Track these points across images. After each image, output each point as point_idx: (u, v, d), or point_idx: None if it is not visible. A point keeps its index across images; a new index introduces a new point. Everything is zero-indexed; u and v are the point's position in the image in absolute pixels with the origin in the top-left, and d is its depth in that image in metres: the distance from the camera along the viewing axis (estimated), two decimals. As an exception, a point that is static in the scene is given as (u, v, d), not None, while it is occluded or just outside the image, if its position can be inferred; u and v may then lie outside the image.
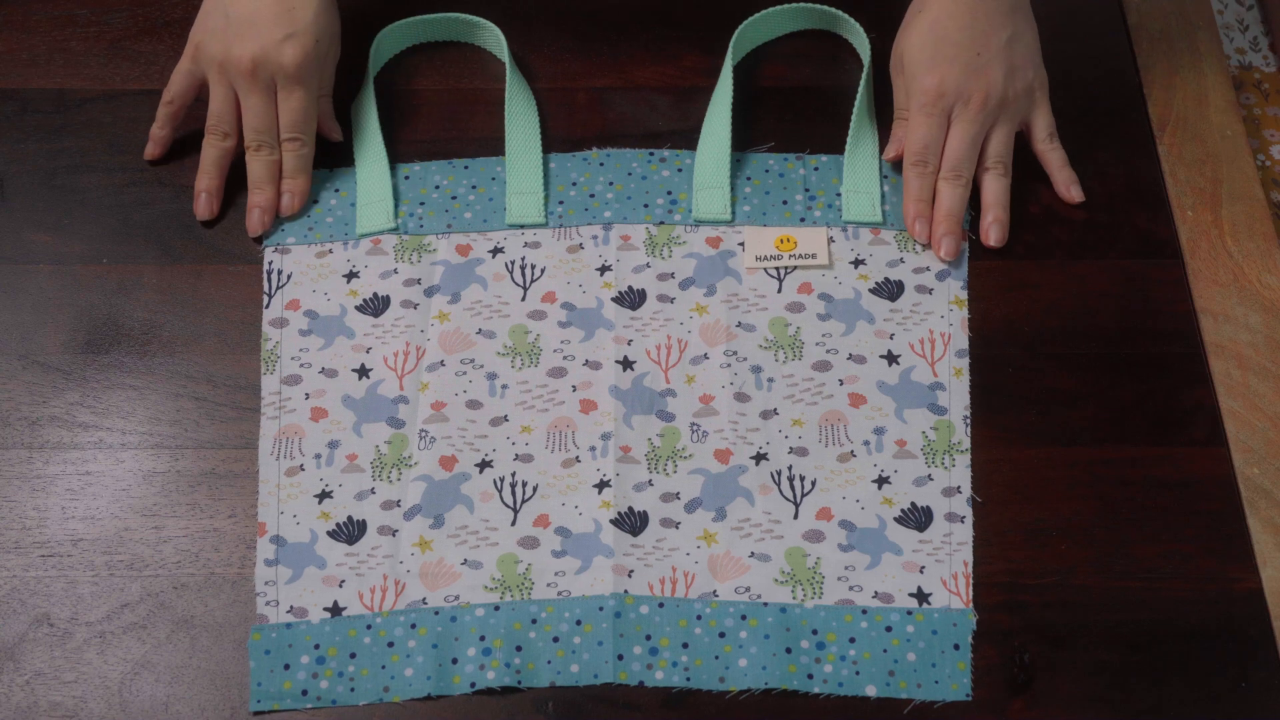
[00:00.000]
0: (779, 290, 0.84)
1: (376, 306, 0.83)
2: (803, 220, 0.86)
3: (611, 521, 0.76)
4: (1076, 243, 0.86)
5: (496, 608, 0.74)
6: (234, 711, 0.71)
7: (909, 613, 0.74)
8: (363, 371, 0.81)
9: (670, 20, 0.96)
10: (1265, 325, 0.83)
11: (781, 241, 0.85)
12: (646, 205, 0.87)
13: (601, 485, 0.77)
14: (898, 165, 0.88)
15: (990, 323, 0.83)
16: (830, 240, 0.85)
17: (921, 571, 0.75)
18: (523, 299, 0.84)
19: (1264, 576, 0.75)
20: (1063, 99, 0.90)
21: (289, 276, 0.84)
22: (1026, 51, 0.87)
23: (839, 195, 0.87)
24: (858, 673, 0.72)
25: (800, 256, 0.85)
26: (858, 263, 0.85)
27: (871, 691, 0.71)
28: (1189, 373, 0.81)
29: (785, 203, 0.87)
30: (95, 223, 0.87)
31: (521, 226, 0.86)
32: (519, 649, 0.72)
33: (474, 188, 0.88)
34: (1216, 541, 0.76)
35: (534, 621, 0.73)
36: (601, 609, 0.73)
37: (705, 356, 0.82)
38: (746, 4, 0.94)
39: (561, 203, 0.87)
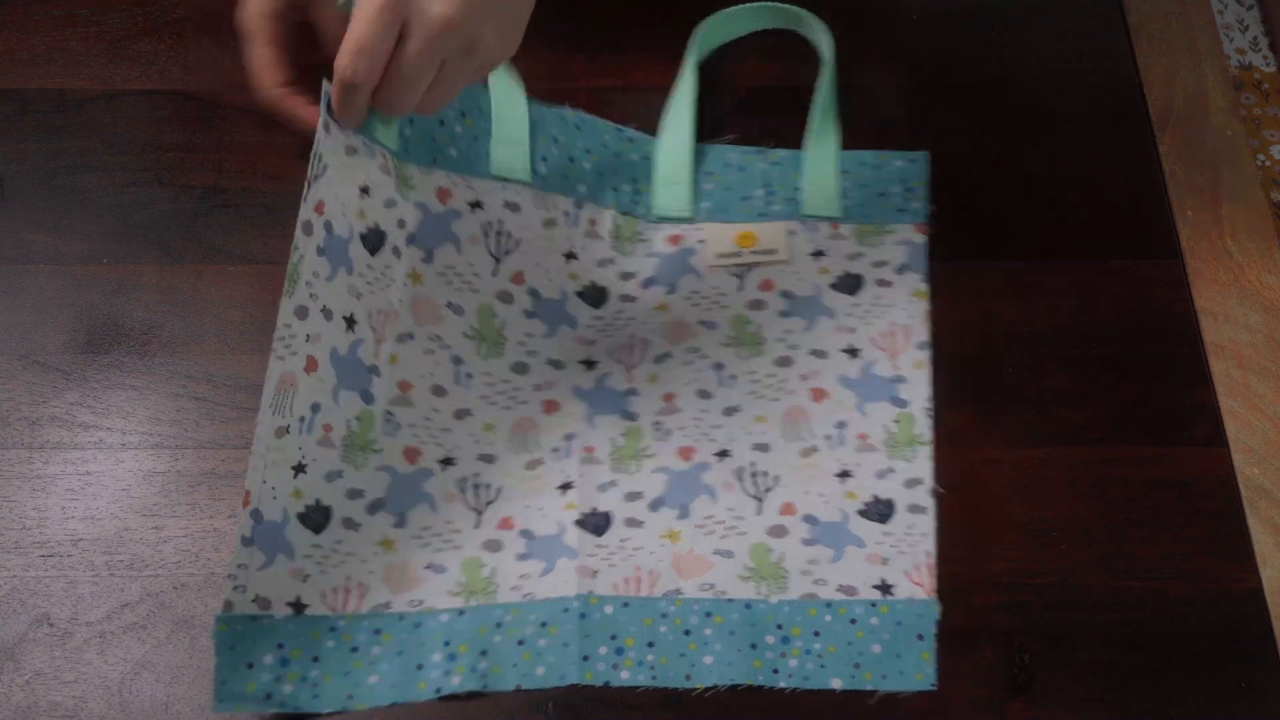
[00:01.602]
0: (740, 288, 0.83)
1: (374, 241, 0.78)
2: (762, 215, 0.86)
3: (575, 523, 0.75)
4: (1076, 243, 0.86)
5: (461, 612, 0.73)
6: (233, 712, 0.71)
7: (873, 605, 0.73)
8: (351, 322, 0.76)
9: (670, 20, 0.96)
10: (1265, 325, 0.83)
11: (741, 238, 0.85)
12: (615, 190, 0.85)
13: (565, 487, 0.77)
14: (856, 160, 0.87)
15: (990, 323, 0.83)
16: (790, 233, 0.85)
17: (885, 564, 0.75)
18: (494, 273, 0.81)
19: (1264, 576, 0.75)
20: (1063, 99, 0.90)
21: (325, 168, 0.74)
22: None
23: (798, 189, 0.87)
24: (823, 666, 0.71)
25: (760, 253, 0.84)
26: (818, 254, 0.84)
27: (837, 684, 0.71)
28: (1189, 373, 0.81)
29: (745, 198, 0.86)
30: (95, 223, 0.87)
31: (505, 180, 0.83)
32: (484, 653, 0.71)
33: (462, 115, 0.83)
34: (1216, 541, 0.76)
35: (499, 625, 0.72)
36: (566, 611, 0.73)
37: (668, 355, 0.81)
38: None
39: (544, 159, 0.84)
